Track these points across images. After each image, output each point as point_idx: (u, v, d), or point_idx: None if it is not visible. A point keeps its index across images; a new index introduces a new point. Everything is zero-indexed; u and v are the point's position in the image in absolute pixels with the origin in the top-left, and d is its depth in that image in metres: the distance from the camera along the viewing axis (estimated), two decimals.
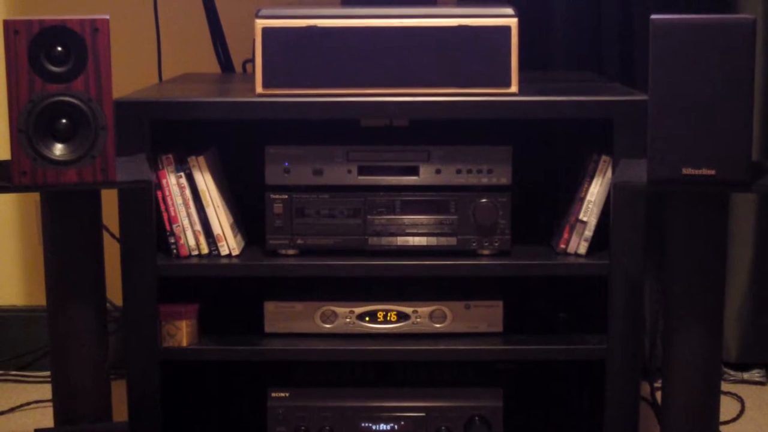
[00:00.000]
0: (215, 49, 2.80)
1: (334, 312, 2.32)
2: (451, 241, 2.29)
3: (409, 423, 2.32)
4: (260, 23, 2.22)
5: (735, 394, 2.80)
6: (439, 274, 2.30)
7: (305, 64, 2.22)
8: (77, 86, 1.98)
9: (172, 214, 2.27)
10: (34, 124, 1.97)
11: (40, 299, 2.28)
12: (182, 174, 2.27)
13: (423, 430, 2.32)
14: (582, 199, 2.28)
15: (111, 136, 2.00)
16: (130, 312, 2.26)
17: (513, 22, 2.21)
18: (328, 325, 2.32)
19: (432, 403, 2.32)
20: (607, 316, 2.26)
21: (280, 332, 2.33)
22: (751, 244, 2.88)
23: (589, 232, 2.28)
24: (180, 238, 2.28)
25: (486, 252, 2.29)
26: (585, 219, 2.28)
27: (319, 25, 2.22)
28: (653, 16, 1.94)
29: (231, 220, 2.33)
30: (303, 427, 2.31)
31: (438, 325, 2.33)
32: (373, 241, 2.30)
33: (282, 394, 2.32)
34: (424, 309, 2.32)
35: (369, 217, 2.29)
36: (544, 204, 2.53)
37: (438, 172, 2.29)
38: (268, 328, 2.33)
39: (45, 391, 2.68)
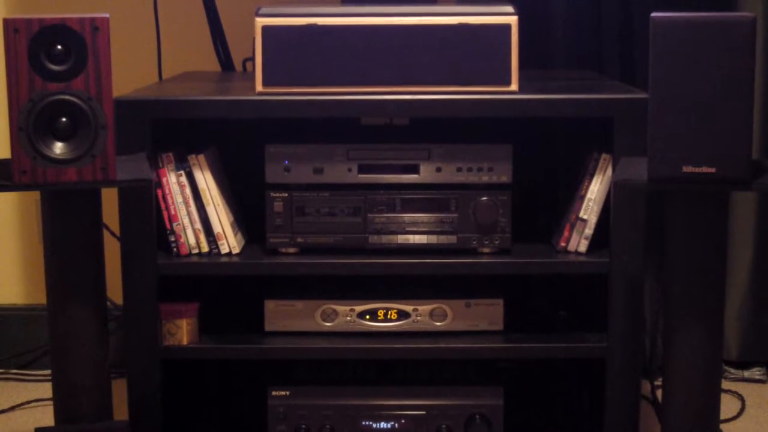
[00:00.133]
0: (215, 47, 2.80)
1: (334, 310, 2.32)
2: (452, 239, 2.29)
3: (409, 421, 2.32)
4: (260, 21, 2.22)
5: (735, 393, 2.80)
6: (439, 273, 2.30)
7: (305, 63, 2.22)
8: (77, 85, 1.98)
9: (173, 212, 2.27)
10: (34, 123, 1.97)
11: (40, 298, 2.28)
12: (182, 172, 2.27)
13: (423, 429, 2.32)
14: (582, 198, 2.28)
15: (111, 135, 2.00)
16: (131, 311, 2.26)
17: (513, 21, 2.21)
18: (328, 324, 2.32)
19: (432, 402, 2.32)
20: (607, 315, 2.26)
21: (280, 331, 2.33)
22: (752, 242, 2.88)
23: (589, 231, 2.28)
24: (180, 236, 2.28)
25: (486, 250, 2.29)
26: (585, 217, 2.28)
27: (319, 24, 2.22)
28: (653, 15, 1.94)
29: (231, 218, 2.32)
30: (303, 426, 2.31)
31: (438, 324, 2.33)
32: (374, 239, 2.30)
33: (282, 393, 2.32)
34: (425, 307, 2.32)
35: (369, 215, 2.29)
36: (545, 202, 2.53)
37: (438, 170, 2.29)
38: (268, 327, 2.33)
39: (45, 389, 2.68)
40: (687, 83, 1.94)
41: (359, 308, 2.32)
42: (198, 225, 2.28)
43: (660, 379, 2.18)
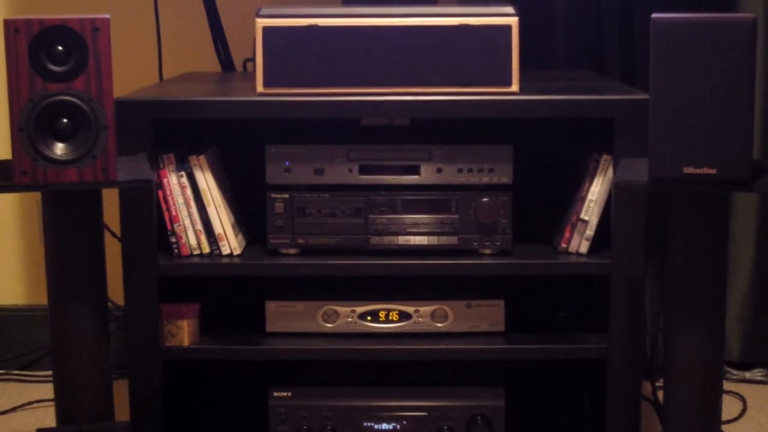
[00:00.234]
0: (216, 48, 2.80)
1: (335, 311, 2.32)
2: (453, 240, 2.29)
3: (410, 422, 2.32)
4: (261, 22, 2.22)
5: (737, 394, 2.80)
6: (440, 274, 2.30)
7: (306, 64, 2.22)
8: (78, 86, 1.98)
9: (173, 213, 2.27)
10: (34, 124, 1.97)
11: (41, 299, 2.28)
12: (183, 173, 2.27)
13: (425, 430, 2.31)
14: (583, 198, 2.28)
15: (112, 136, 2.00)
16: (132, 311, 2.26)
17: (514, 21, 2.21)
18: (329, 325, 2.32)
19: (433, 403, 2.32)
20: (608, 316, 2.25)
21: (281, 332, 2.33)
22: (753, 243, 2.88)
23: (590, 232, 2.28)
24: (181, 237, 2.28)
25: (487, 251, 2.29)
26: (586, 218, 2.28)
27: (319, 25, 2.22)
28: (654, 15, 1.94)
29: (232, 219, 2.32)
30: (305, 427, 2.31)
31: (439, 325, 2.32)
32: (375, 240, 2.30)
33: (284, 394, 2.32)
34: (426, 308, 2.32)
35: (370, 216, 2.29)
36: (545, 203, 2.53)
37: (439, 171, 2.29)
38: (269, 328, 2.33)
39: (47, 390, 2.68)
40: (688, 84, 1.93)
41: (360, 309, 2.32)
42: (199, 226, 2.28)
43: (661, 380, 2.18)
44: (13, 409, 2.75)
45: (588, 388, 2.49)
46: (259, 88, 2.23)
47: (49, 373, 2.17)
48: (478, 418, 2.31)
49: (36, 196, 2.76)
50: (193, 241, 2.28)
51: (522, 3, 2.28)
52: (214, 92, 2.43)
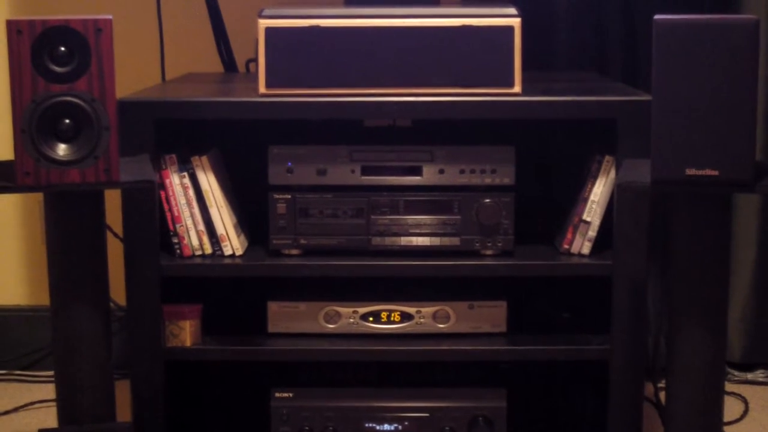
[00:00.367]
0: (218, 48, 2.80)
1: (337, 312, 2.32)
2: (455, 241, 2.29)
3: (412, 423, 2.32)
4: (263, 23, 2.22)
5: (739, 395, 2.80)
6: (442, 275, 2.30)
7: (308, 64, 2.21)
8: (80, 86, 1.98)
9: (176, 214, 2.27)
10: (37, 125, 1.97)
11: (43, 299, 2.28)
12: (185, 174, 2.27)
13: (426, 431, 2.31)
14: (585, 199, 2.28)
15: (114, 136, 2.00)
16: (134, 312, 2.26)
17: (516, 22, 2.20)
18: (331, 326, 2.32)
19: (435, 404, 2.32)
20: (610, 317, 2.25)
21: (283, 332, 2.33)
22: (755, 244, 2.88)
23: (592, 233, 2.28)
24: (183, 238, 2.28)
25: (489, 252, 2.29)
26: (588, 219, 2.28)
27: (322, 25, 2.22)
28: (656, 16, 1.94)
29: (234, 220, 2.32)
30: (307, 427, 2.31)
31: (441, 326, 2.32)
32: (377, 241, 2.30)
33: (285, 395, 2.32)
34: (428, 309, 2.32)
35: (372, 217, 2.29)
36: (548, 204, 2.53)
37: (441, 172, 2.29)
38: (271, 328, 2.33)
39: (49, 390, 2.68)
40: (690, 85, 1.93)
41: (362, 310, 2.32)
42: (201, 226, 2.28)
43: (663, 381, 2.18)
44: (15, 410, 2.75)
45: (590, 389, 2.49)
46: (262, 89, 2.23)
47: (51, 373, 2.17)
48: (480, 419, 2.31)
49: (38, 197, 2.76)
50: (195, 242, 2.29)
51: (524, 4, 2.28)
52: (217, 93, 2.43)
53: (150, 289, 2.25)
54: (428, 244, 2.29)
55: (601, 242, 2.28)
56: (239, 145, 2.48)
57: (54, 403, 2.15)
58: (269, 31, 2.22)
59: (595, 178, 2.27)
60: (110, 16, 1.98)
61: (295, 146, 2.28)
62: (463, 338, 2.32)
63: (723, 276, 2.05)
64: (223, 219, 2.29)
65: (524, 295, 2.49)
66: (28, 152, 1.98)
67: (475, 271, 2.28)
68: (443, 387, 2.36)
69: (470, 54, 2.21)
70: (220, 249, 2.29)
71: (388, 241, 2.30)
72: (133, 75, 2.66)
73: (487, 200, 2.28)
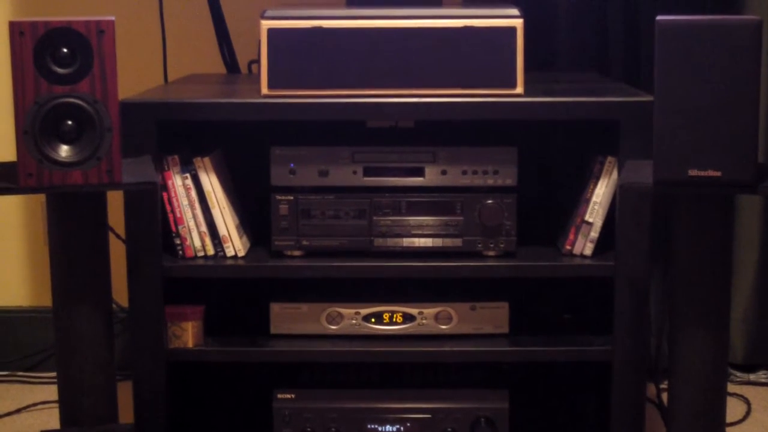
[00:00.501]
0: (221, 49, 2.80)
1: (339, 313, 2.32)
2: (457, 242, 2.29)
3: (414, 424, 2.32)
4: (265, 24, 2.22)
5: (741, 396, 2.80)
6: (444, 276, 2.30)
7: (310, 65, 2.22)
8: (83, 88, 1.98)
9: (178, 215, 2.27)
10: (39, 126, 1.97)
11: (45, 300, 2.28)
12: (188, 175, 2.27)
13: None
14: (588, 200, 2.28)
15: (116, 138, 2.00)
16: (136, 313, 2.26)
17: (518, 23, 2.20)
18: (333, 327, 2.32)
19: (438, 405, 2.32)
20: (612, 318, 2.25)
21: (285, 333, 2.33)
22: (757, 245, 2.88)
23: (594, 234, 2.28)
24: (186, 239, 2.28)
25: (491, 253, 2.29)
26: (591, 220, 2.28)
27: (324, 26, 2.22)
28: (659, 17, 1.94)
29: (236, 221, 2.33)
30: (309, 429, 2.31)
31: (444, 327, 2.32)
32: (379, 242, 2.30)
33: (288, 396, 2.32)
34: (430, 310, 2.32)
35: (374, 218, 2.29)
36: (550, 205, 2.53)
37: (443, 173, 2.29)
38: (273, 330, 2.33)
39: (51, 392, 2.68)
40: (693, 86, 1.93)
41: (364, 311, 2.32)
42: (203, 228, 2.28)
43: (665, 382, 2.18)
44: (18, 411, 2.75)
45: (592, 391, 2.49)
46: (264, 90, 2.23)
47: (54, 374, 2.17)
48: (482, 420, 2.31)
49: (41, 198, 2.76)
50: (197, 243, 2.29)
51: (526, 4, 2.28)
52: (219, 94, 2.43)
53: (152, 290, 2.25)
54: (430, 245, 2.29)
55: (603, 243, 2.27)
56: (241, 146, 2.48)
57: (56, 405, 2.15)
58: (271, 32, 2.22)
59: (598, 179, 2.27)
60: (113, 18, 1.98)
61: (298, 147, 2.28)
62: (465, 339, 2.32)
63: (725, 277, 2.05)
64: (226, 220, 2.29)
65: (526, 296, 2.49)
66: (31, 153, 1.98)
67: (477, 272, 2.28)
68: (445, 388, 2.36)
69: (472, 55, 2.21)
70: (223, 250, 2.29)
71: (390, 242, 2.30)
72: (135, 76, 2.66)
73: (490, 201, 2.28)
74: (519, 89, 2.22)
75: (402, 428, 2.32)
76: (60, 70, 1.97)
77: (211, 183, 2.28)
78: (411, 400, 2.33)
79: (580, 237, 2.29)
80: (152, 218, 2.24)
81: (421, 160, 2.29)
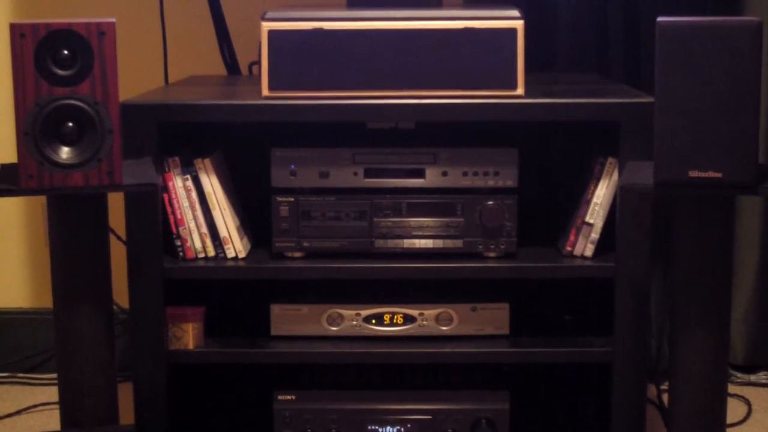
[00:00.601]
0: (221, 51, 2.80)
1: (340, 315, 2.32)
2: (458, 243, 2.29)
3: (415, 426, 2.32)
4: (266, 26, 2.22)
5: (742, 397, 2.80)
6: (445, 277, 2.30)
7: (311, 67, 2.22)
8: (83, 89, 1.98)
9: (179, 216, 2.27)
10: (40, 128, 1.97)
11: (46, 301, 2.28)
12: (189, 177, 2.27)
13: None
14: (588, 202, 2.28)
15: (117, 139, 2.00)
16: (137, 314, 2.26)
17: (519, 25, 2.20)
18: (334, 328, 2.32)
19: (438, 406, 2.32)
20: (613, 319, 2.25)
21: (286, 335, 2.33)
22: (758, 246, 2.88)
23: (595, 235, 2.28)
24: (186, 240, 2.28)
25: (492, 254, 2.29)
26: (591, 221, 2.28)
27: (324, 28, 2.22)
28: (659, 19, 1.94)
29: (237, 222, 2.33)
30: (309, 430, 2.31)
31: (444, 328, 2.32)
32: (380, 243, 2.30)
33: (288, 397, 2.32)
34: (431, 311, 2.32)
35: (375, 219, 2.29)
36: (551, 206, 2.53)
37: (444, 174, 2.29)
38: (274, 331, 2.33)
39: (52, 393, 2.68)
40: (693, 87, 1.93)
41: (365, 312, 2.32)
42: (204, 229, 2.29)
43: (666, 383, 2.18)
44: (18, 412, 2.75)
45: (593, 392, 2.49)
46: (265, 92, 2.23)
47: (54, 376, 2.17)
48: (483, 421, 2.31)
49: (41, 199, 2.76)
50: (198, 245, 2.29)
51: (526, 6, 2.28)
52: (220, 95, 2.44)
53: (153, 291, 2.25)
54: (431, 246, 2.29)
55: (604, 244, 2.27)
56: (242, 147, 2.48)
57: (57, 406, 2.14)
58: (272, 33, 2.22)
59: (598, 180, 2.27)
60: (113, 19, 1.98)
61: (298, 149, 2.28)
62: (466, 340, 2.32)
63: (725, 278, 2.05)
64: (226, 221, 2.29)
65: (527, 298, 2.49)
66: (32, 155, 1.98)
67: (477, 273, 2.28)
68: (446, 389, 2.36)
69: (473, 56, 2.21)
70: (223, 251, 2.30)
71: (391, 243, 2.30)
72: (136, 78, 2.66)
73: (490, 202, 2.28)
74: (519, 90, 2.22)
75: (402, 429, 2.32)
76: (61, 72, 1.97)
77: (211, 184, 2.28)
78: (411, 401, 2.33)
79: (580, 238, 2.29)
80: (153, 220, 2.24)
81: (421, 161, 2.29)
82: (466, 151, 2.28)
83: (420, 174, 2.29)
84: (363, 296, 2.34)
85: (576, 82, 2.61)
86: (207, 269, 2.28)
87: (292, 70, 2.22)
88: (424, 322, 2.32)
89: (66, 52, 1.97)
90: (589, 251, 2.28)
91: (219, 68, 2.83)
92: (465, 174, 2.28)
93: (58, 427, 2.13)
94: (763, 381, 2.91)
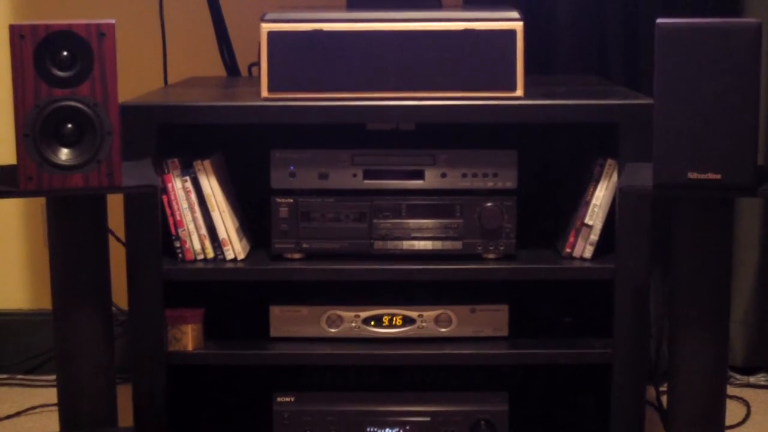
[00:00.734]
0: (221, 52, 2.80)
1: (339, 316, 2.32)
2: (457, 245, 2.29)
3: (414, 427, 2.32)
4: (266, 27, 2.22)
5: (741, 398, 2.80)
6: (444, 278, 2.30)
7: (311, 68, 2.22)
8: (83, 91, 1.98)
9: (178, 218, 2.27)
10: (40, 129, 1.97)
11: (45, 303, 2.28)
12: (188, 178, 2.27)
13: None
14: (588, 203, 2.28)
15: (117, 141, 2.00)
16: (136, 316, 2.26)
17: (518, 26, 2.21)
18: (333, 330, 2.32)
19: (437, 408, 2.32)
20: (612, 320, 2.25)
21: (285, 336, 2.33)
22: (757, 247, 2.88)
23: (594, 236, 2.28)
24: (185, 242, 2.28)
25: (491, 256, 2.29)
26: (590, 223, 2.28)
27: (324, 29, 2.22)
28: (659, 20, 1.94)
29: (236, 224, 2.33)
30: (308, 431, 2.31)
31: (443, 329, 2.32)
32: (379, 245, 2.30)
33: (287, 399, 2.32)
34: (430, 313, 2.32)
35: (374, 221, 2.29)
36: (550, 208, 2.53)
37: (443, 175, 2.29)
38: (273, 333, 2.33)
39: (51, 395, 2.67)
40: (692, 89, 1.93)
41: (364, 314, 2.32)
42: (203, 231, 2.28)
43: (665, 385, 2.18)
44: (17, 414, 2.75)
45: (592, 393, 2.49)
46: (264, 93, 2.23)
47: (53, 377, 2.17)
48: (482, 422, 2.31)
49: (41, 200, 2.76)
50: (197, 246, 2.29)
51: (526, 7, 2.28)
52: (219, 97, 2.44)
53: (152, 293, 2.25)
54: (430, 247, 2.29)
55: (603, 246, 2.27)
56: (241, 149, 2.48)
57: (56, 408, 2.14)
58: (272, 35, 2.22)
59: (597, 181, 2.27)
60: (113, 21, 1.98)
61: (298, 150, 2.28)
62: (465, 342, 2.32)
63: (725, 279, 2.05)
64: (225, 223, 2.29)
65: (526, 299, 2.49)
66: (31, 157, 1.98)
67: (477, 274, 2.28)
68: (445, 391, 2.36)
69: (473, 58, 2.21)
70: (222, 253, 2.29)
71: (390, 245, 2.30)
72: (135, 79, 2.66)
73: (490, 204, 2.28)
74: (519, 92, 2.22)
75: (401, 431, 2.32)
76: (60, 74, 1.97)
77: (210, 186, 2.28)
78: (411, 402, 2.33)
79: (579, 240, 2.29)
80: (152, 221, 2.24)
81: (421, 162, 2.29)
82: (466, 152, 2.28)
83: (419, 175, 2.29)
84: (362, 298, 2.34)
85: (575, 83, 2.61)
86: (206, 271, 2.28)
87: (292, 71, 2.22)
88: (424, 324, 2.32)
89: (65, 53, 1.97)
90: (588, 253, 2.28)
91: (218, 69, 2.83)
92: (464, 175, 2.28)
93: (57, 428, 2.13)
94: (762, 382, 2.91)
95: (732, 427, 2.62)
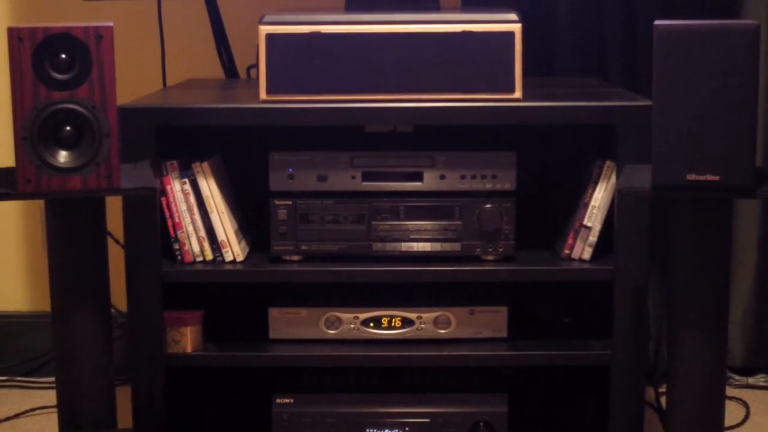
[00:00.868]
0: (219, 54, 2.80)
1: (338, 318, 2.32)
2: (456, 246, 2.29)
3: (413, 429, 2.32)
4: (264, 29, 2.22)
5: (740, 399, 2.80)
6: (443, 280, 2.30)
7: (309, 70, 2.22)
8: (81, 93, 1.98)
9: (177, 220, 2.27)
10: (38, 132, 1.97)
11: (44, 305, 2.28)
12: (186, 180, 2.27)
13: None
14: (586, 205, 2.28)
15: (115, 143, 2.00)
16: (135, 318, 2.26)
17: (517, 28, 2.21)
18: (332, 331, 2.32)
19: (436, 409, 2.32)
20: (611, 322, 2.25)
21: (284, 338, 2.33)
22: (756, 249, 2.88)
23: (593, 238, 2.28)
24: (184, 244, 2.28)
25: (490, 257, 2.29)
26: (589, 224, 2.28)
27: (322, 32, 2.22)
28: (657, 22, 1.94)
29: (235, 226, 2.33)
30: None
31: (442, 331, 2.32)
32: (378, 246, 2.30)
33: (286, 400, 2.32)
34: (429, 315, 2.32)
35: (373, 222, 2.29)
36: (549, 209, 2.53)
37: (442, 177, 2.29)
38: (272, 334, 2.33)
39: (50, 397, 2.68)
40: (691, 91, 1.94)
41: (363, 316, 2.32)
42: (202, 233, 2.29)
43: (664, 386, 2.18)
44: (17, 416, 2.75)
45: (591, 394, 2.49)
46: (263, 95, 2.23)
47: (52, 379, 2.17)
48: (481, 424, 2.31)
49: (39, 203, 2.76)
50: (196, 248, 2.29)
51: (524, 9, 2.28)
52: (218, 99, 2.44)
53: (151, 295, 2.25)
54: (429, 249, 2.30)
55: (602, 247, 2.28)
56: (240, 151, 2.48)
57: (55, 410, 2.15)
58: (270, 37, 2.22)
59: (596, 183, 2.27)
60: (111, 23, 1.98)
61: (296, 152, 2.28)
62: (464, 343, 2.32)
63: (724, 281, 2.05)
64: (224, 225, 2.29)
65: (525, 300, 2.49)
66: (30, 159, 1.98)
67: (475, 276, 2.28)
68: (444, 392, 2.36)
69: (471, 60, 2.21)
70: (221, 255, 2.30)
71: (389, 246, 2.30)
72: (134, 81, 2.66)
73: (488, 206, 2.28)
74: (517, 94, 2.22)
75: None
76: (59, 76, 1.97)
77: (209, 188, 2.28)
78: (410, 404, 2.33)
79: (578, 241, 2.29)
80: (151, 223, 2.24)
81: (419, 164, 2.29)
82: (464, 154, 2.29)
83: (418, 177, 2.29)
84: (361, 299, 2.34)
85: (574, 85, 2.61)
86: (205, 273, 2.28)
87: (290, 73, 2.22)
88: (423, 325, 2.32)
89: (64, 56, 1.97)
90: (587, 254, 2.29)
91: (217, 72, 2.83)
92: (463, 177, 2.29)
93: (56, 430, 2.13)
94: (762, 383, 2.91)
95: (731, 428, 2.62)
